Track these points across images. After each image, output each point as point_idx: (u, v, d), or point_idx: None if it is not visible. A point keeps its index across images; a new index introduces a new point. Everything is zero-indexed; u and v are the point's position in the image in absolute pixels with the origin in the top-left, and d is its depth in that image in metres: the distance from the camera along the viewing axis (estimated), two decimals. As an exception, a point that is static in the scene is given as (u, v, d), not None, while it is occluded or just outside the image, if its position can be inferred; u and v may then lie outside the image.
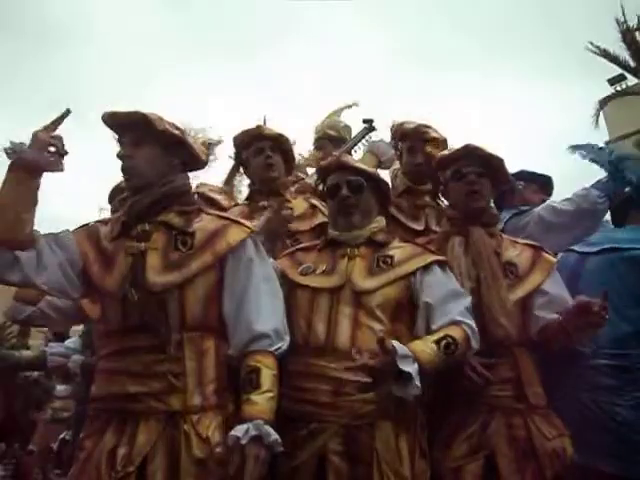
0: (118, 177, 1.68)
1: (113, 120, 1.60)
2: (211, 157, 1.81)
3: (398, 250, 1.78)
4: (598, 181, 2.18)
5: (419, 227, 2.33)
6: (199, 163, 1.71)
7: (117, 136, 1.63)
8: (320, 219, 2.23)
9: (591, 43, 10.94)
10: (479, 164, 1.94)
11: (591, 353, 1.94)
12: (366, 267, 1.73)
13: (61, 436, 4.29)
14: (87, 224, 1.67)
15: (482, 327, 1.71)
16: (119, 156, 1.58)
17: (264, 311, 1.51)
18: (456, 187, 1.96)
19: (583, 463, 1.73)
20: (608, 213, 2.30)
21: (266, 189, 2.34)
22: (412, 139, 2.42)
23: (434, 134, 2.39)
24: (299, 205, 2.29)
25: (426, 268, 1.73)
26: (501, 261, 1.86)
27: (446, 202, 2.24)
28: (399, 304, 1.69)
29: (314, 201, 2.32)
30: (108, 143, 1.69)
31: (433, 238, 2.04)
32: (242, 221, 1.66)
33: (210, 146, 1.84)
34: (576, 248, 2.21)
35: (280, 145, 2.38)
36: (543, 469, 1.65)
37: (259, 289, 1.53)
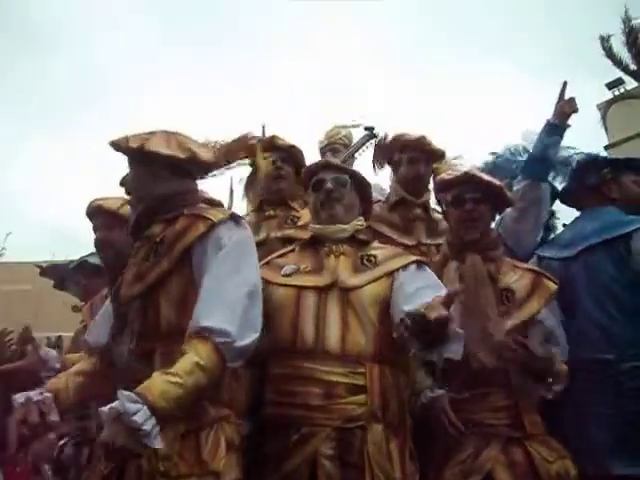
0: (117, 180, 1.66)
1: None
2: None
3: (380, 250, 1.78)
4: (523, 167, 2.25)
5: (411, 242, 2.30)
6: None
7: None
8: None
9: (602, 38, 10.76)
10: (478, 190, 1.92)
11: (615, 359, 1.88)
12: (351, 265, 1.71)
13: (61, 442, 4.23)
14: None
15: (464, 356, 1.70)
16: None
17: (219, 304, 1.33)
18: (455, 213, 1.95)
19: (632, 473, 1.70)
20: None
21: (274, 199, 2.35)
22: (414, 150, 2.42)
23: (434, 147, 2.42)
24: (306, 215, 2.28)
25: (405, 267, 1.70)
26: (497, 287, 1.83)
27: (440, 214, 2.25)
28: (385, 302, 1.64)
29: None
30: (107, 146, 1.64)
31: (434, 261, 2.01)
32: (207, 214, 1.48)
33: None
34: (548, 254, 2.18)
35: (292, 156, 2.40)
36: None
37: (219, 278, 1.37)
